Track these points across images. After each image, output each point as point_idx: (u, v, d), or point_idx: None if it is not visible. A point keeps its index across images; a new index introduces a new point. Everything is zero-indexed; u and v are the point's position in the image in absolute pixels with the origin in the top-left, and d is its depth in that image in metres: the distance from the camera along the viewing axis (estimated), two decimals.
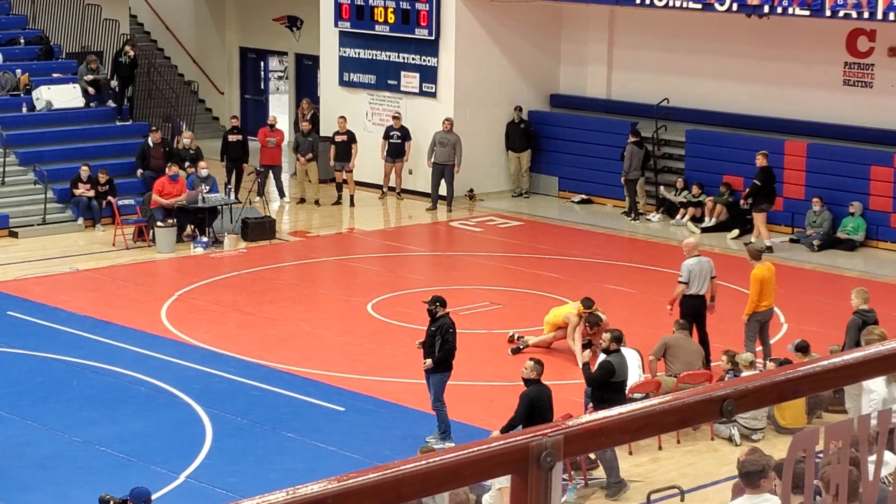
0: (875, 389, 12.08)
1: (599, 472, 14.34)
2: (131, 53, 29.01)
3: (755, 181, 24.29)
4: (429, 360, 14.82)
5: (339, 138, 27.71)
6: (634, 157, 26.12)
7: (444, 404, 14.83)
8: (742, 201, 24.65)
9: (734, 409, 2.42)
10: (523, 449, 2.35)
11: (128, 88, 29.04)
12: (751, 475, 9.79)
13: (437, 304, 15.06)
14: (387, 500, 2.35)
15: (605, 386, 14.22)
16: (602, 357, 14.69)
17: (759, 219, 24.31)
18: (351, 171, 27.51)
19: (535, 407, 13.65)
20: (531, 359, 14.34)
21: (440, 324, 14.88)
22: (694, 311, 17.01)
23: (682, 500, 13.39)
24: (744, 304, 17.35)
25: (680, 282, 17.14)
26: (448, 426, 14.87)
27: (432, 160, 27.13)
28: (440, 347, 14.79)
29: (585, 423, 2.42)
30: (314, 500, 2.24)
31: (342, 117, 27.88)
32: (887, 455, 2.82)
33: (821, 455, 2.71)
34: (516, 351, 17.93)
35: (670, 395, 2.49)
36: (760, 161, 24.20)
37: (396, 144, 27.67)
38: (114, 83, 28.89)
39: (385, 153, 27.68)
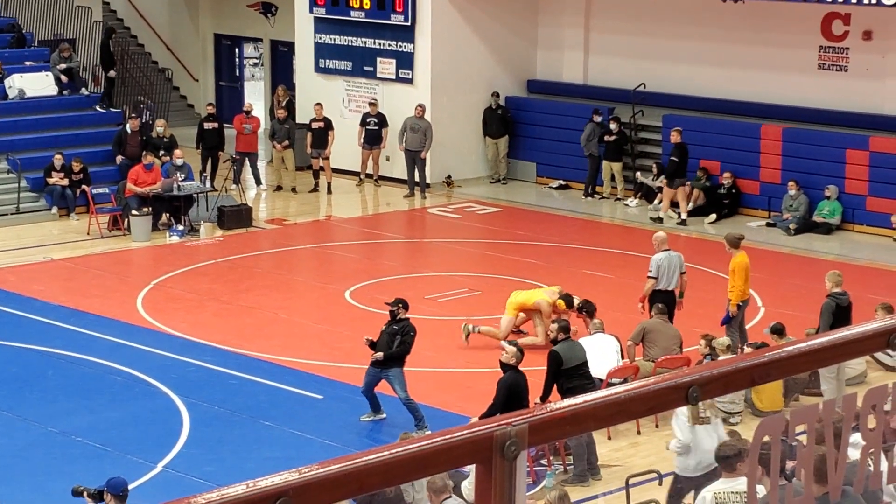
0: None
1: None
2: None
3: (672, 158, 24.86)
4: (380, 354, 14.85)
5: (315, 125, 27.62)
6: (591, 133, 26.33)
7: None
8: (660, 179, 25.37)
9: (699, 395, 2.39)
10: (487, 438, 2.32)
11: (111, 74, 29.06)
12: (727, 459, 9.82)
13: (400, 305, 15.10)
14: (349, 492, 2.32)
15: (564, 375, 14.19)
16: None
17: (678, 194, 24.94)
18: (328, 158, 27.43)
19: (512, 393, 13.65)
20: (512, 343, 14.31)
21: (403, 326, 14.94)
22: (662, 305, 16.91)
23: (660, 483, 13.40)
24: (722, 288, 17.35)
25: (649, 277, 17.08)
26: (422, 414, 14.88)
27: (403, 146, 27.08)
28: (398, 345, 14.80)
29: (550, 411, 2.39)
30: (274, 493, 2.20)
31: (318, 104, 27.79)
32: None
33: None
34: (467, 335, 17.72)
35: (636, 383, 2.46)
36: (675, 137, 24.82)
37: (373, 131, 27.60)
38: (112, 73, 28.87)
39: (362, 140, 27.62)
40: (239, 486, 2.21)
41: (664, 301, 16.73)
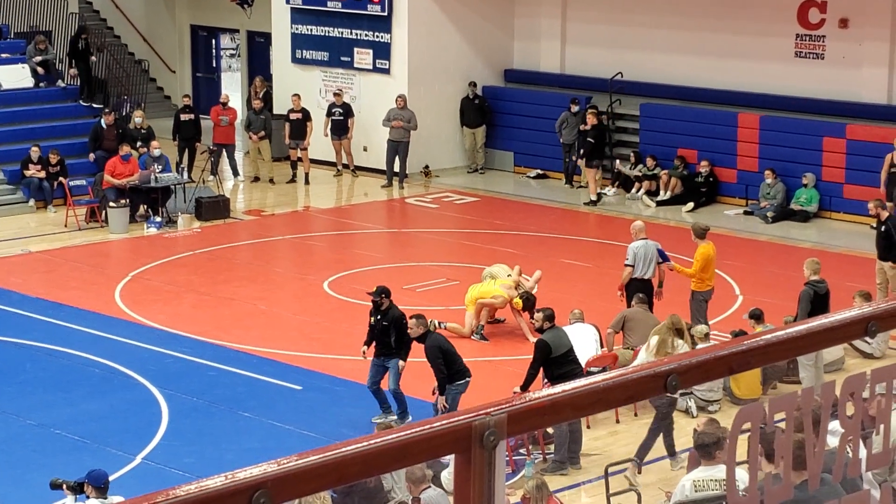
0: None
1: None
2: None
3: (589, 139, 25.47)
4: (402, 362, 14.75)
5: (293, 116, 27.56)
6: (564, 120, 26.52)
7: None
8: (577, 160, 26.12)
9: (678, 384, 2.39)
10: (466, 428, 2.32)
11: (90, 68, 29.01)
12: (706, 446, 9.85)
13: (383, 295, 14.99)
14: (328, 483, 2.32)
15: (554, 363, 14.25)
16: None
17: (591, 174, 25.60)
18: (306, 149, 27.38)
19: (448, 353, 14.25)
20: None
21: (392, 316, 14.82)
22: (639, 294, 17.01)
23: (640, 472, 13.44)
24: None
25: (626, 265, 17.18)
26: (407, 406, 14.89)
27: (388, 137, 27.02)
28: (398, 340, 14.71)
29: (529, 401, 2.39)
30: (253, 485, 2.20)
31: (296, 95, 27.73)
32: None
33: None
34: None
35: (615, 372, 2.46)
36: (591, 119, 25.51)
37: (339, 121, 27.54)
38: (73, 71, 28.79)
39: (328, 130, 27.53)
40: (217, 478, 2.20)
41: (642, 290, 16.79)
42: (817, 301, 15.97)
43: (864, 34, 24.67)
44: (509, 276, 18.09)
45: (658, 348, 14.69)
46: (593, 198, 25.60)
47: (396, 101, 26.93)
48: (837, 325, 2.67)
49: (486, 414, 2.33)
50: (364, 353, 15.14)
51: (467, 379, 14.35)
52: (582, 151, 25.93)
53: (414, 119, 26.89)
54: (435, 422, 2.34)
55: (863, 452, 2.84)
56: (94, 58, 29.26)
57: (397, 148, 26.97)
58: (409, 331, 14.45)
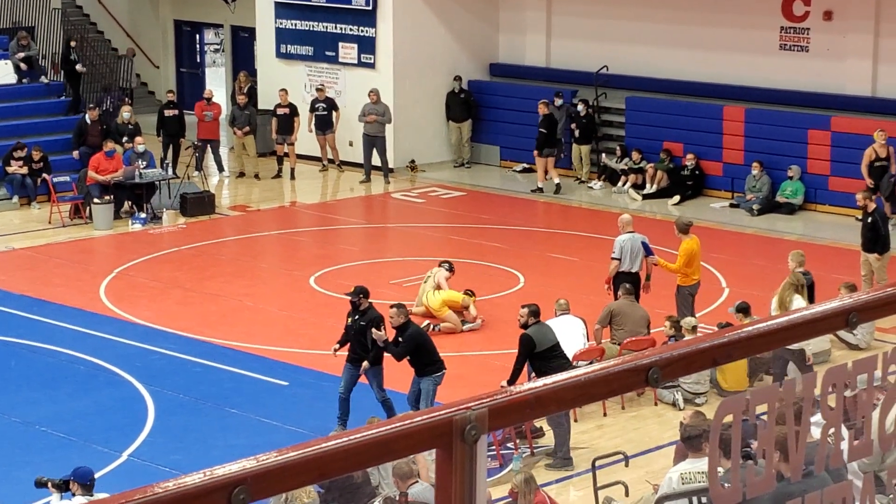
0: None
1: (546, 441, 14.38)
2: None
3: (541, 129, 25.77)
4: (365, 363, 14.62)
5: (280, 111, 27.49)
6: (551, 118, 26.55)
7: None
8: (535, 152, 26.22)
9: (660, 377, 2.38)
10: (447, 423, 2.30)
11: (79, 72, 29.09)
12: (693, 439, 9.84)
13: (361, 295, 14.90)
14: (309, 479, 2.30)
15: (539, 357, 14.25)
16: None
17: (546, 163, 25.89)
18: (293, 144, 27.32)
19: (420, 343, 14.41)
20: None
21: (370, 317, 14.71)
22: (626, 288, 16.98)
23: (627, 465, 13.45)
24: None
25: (613, 258, 17.22)
26: (396, 413, 14.84)
27: (363, 131, 26.93)
28: (373, 343, 14.55)
29: (510, 395, 2.37)
30: (232, 482, 2.18)
31: (283, 90, 27.66)
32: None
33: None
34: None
35: (597, 365, 2.45)
36: (542, 109, 25.81)
37: (323, 116, 27.48)
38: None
39: (312, 126, 27.47)
40: (196, 474, 2.19)
41: (628, 283, 16.80)
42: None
43: (848, 26, 24.71)
44: (428, 279, 18.30)
45: (779, 306, 14.97)
46: (540, 185, 25.86)
47: (370, 95, 26.82)
48: (819, 316, 2.66)
49: (467, 408, 2.32)
50: (335, 351, 15.02)
51: (444, 371, 14.41)
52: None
53: (388, 112, 26.83)
54: (416, 417, 2.33)
55: (845, 444, 2.84)
56: (80, 67, 29.14)
57: (374, 142, 26.89)
58: (389, 320, 14.42)
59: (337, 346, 14.97)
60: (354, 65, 28.07)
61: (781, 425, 2.61)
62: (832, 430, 2.73)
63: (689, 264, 17.08)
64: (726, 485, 2.61)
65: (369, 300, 15.01)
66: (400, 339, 14.41)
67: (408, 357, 14.43)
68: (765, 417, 2.66)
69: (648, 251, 17.29)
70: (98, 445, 14.23)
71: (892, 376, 2.82)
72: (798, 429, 2.55)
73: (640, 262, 17.15)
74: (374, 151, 26.91)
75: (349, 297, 15.00)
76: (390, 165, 27.28)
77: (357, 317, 14.78)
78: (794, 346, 14.42)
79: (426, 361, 14.41)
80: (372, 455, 2.33)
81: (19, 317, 18.51)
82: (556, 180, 25.84)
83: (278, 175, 27.44)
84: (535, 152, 26.00)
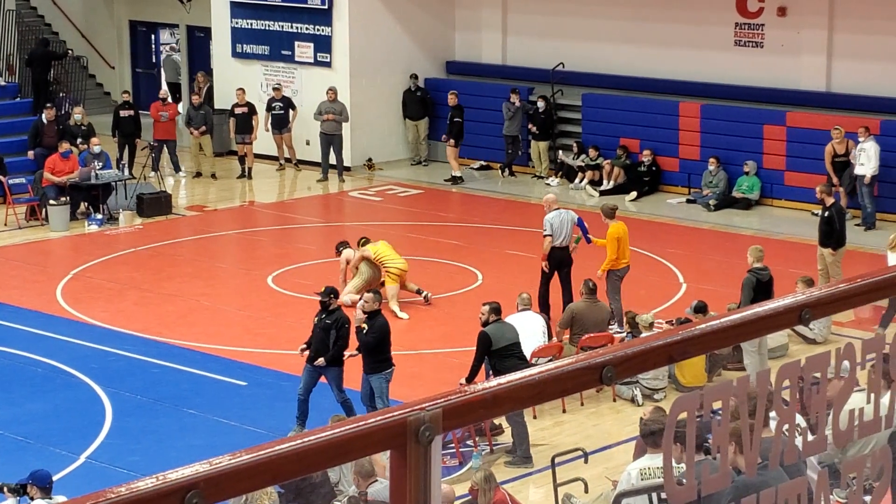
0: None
1: (504, 438, 14.39)
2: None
3: (456, 119, 26.68)
4: (321, 360, 14.58)
5: (239, 110, 27.36)
6: (513, 113, 26.68)
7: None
8: (444, 137, 27.08)
9: (614, 375, 2.38)
10: (401, 424, 2.29)
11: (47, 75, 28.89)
12: (653, 434, 9.88)
13: (332, 295, 14.88)
14: (263, 482, 2.28)
15: (495, 355, 14.27)
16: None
17: (453, 153, 26.79)
18: (251, 144, 27.21)
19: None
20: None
21: (336, 317, 14.68)
22: (557, 261, 17.75)
23: (586, 461, 13.47)
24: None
25: (545, 236, 17.81)
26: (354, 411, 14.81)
27: (320, 130, 26.87)
28: (334, 342, 14.58)
29: (465, 395, 2.36)
30: (185, 486, 2.16)
31: (241, 89, 27.53)
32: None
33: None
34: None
35: (552, 364, 2.44)
36: (452, 100, 26.81)
37: (279, 115, 27.40)
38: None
39: (269, 125, 27.37)
40: (149, 479, 2.17)
41: (560, 258, 17.62)
42: (760, 288, 16.08)
43: (802, 22, 24.86)
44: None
45: None
46: (455, 174, 26.60)
47: (327, 93, 26.77)
48: (771, 313, 2.67)
49: (421, 409, 2.31)
50: (302, 351, 14.96)
51: (393, 368, 14.47)
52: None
53: (345, 111, 26.79)
54: (369, 418, 2.32)
55: (799, 440, 2.85)
56: (52, 74, 28.96)
57: (331, 141, 26.83)
58: (364, 304, 14.51)
59: (304, 345, 14.91)
60: (311, 64, 28.00)
61: (737, 420, 2.61)
62: (786, 426, 2.74)
63: (618, 248, 17.42)
64: (684, 480, 2.61)
65: (339, 300, 15.01)
66: (366, 325, 14.39)
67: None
68: (720, 416, 2.66)
69: (584, 229, 17.97)
70: (56, 448, 14.13)
71: (844, 373, 2.83)
72: (752, 422, 2.56)
73: (569, 236, 17.80)
74: (332, 150, 26.86)
75: (319, 298, 14.94)
76: (348, 164, 27.24)
77: (324, 315, 14.76)
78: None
79: (381, 358, 14.40)
80: (325, 457, 2.31)
81: None
82: (457, 173, 26.62)
83: (242, 175, 27.25)
84: (451, 142, 26.81)
